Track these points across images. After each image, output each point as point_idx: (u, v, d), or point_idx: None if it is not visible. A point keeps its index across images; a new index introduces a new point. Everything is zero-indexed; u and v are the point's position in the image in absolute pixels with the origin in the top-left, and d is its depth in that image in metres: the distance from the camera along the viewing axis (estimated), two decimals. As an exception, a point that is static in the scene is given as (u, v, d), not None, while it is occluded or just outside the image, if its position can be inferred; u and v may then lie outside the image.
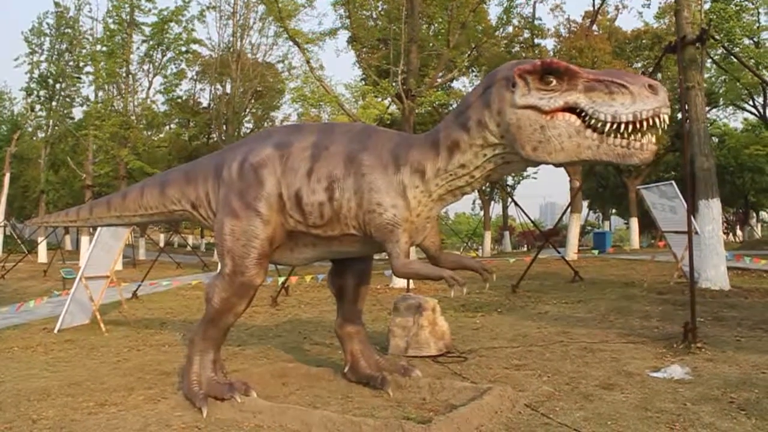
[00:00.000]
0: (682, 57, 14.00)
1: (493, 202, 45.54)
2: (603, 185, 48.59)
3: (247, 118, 40.85)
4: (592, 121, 4.06)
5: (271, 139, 5.67)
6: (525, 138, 4.31)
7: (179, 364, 7.30)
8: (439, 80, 21.63)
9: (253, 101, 39.75)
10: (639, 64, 32.94)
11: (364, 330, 6.41)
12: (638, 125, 3.95)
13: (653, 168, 37.84)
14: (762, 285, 14.19)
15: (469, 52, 27.32)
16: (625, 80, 4.02)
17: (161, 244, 48.74)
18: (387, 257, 5.09)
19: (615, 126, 3.99)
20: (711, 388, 5.86)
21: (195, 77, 42.42)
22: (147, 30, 30.89)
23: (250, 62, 36.60)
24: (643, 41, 33.02)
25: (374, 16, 25.08)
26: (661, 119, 3.93)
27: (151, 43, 30.92)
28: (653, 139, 4.06)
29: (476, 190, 45.86)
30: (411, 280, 15.19)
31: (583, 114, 4.11)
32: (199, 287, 18.07)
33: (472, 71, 32.27)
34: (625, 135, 4.01)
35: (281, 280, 15.54)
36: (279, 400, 5.65)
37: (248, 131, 40.01)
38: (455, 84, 31.57)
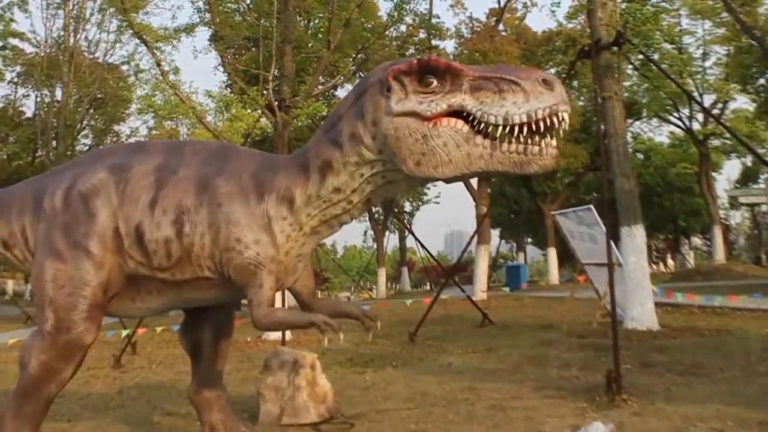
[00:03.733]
0: (597, 63, 14.54)
1: (388, 233, 45.99)
2: (515, 210, 49.99)
3: (83, 132, 39.75)
4: (482, 126, 4.15)
5: (106, 161, 5.52)
6: (406, 151, 4.35)
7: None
8: (320, 88, 21.78)
9: (91, 111, 38.71)
10: (552, 70, 34.26)
11: (226, 395, 6.27)
12: (534, 126, 4.04)
13: (572, 190, 39.33)
14: (693, 322, 14.86)
15: (354, 55, 27.62)
16: (516, 76, 4.13)
17: (-29, 292, 46.28)
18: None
19: (508, 129, 4.08)
20: (637, 448, 6.04)
21: (16, 80, 40.80)
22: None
23: (87, 63, 35.71)
24: (557, 44, 34.30)
25: (241, 9, 24.91)
26: (560, 117, 4.04)
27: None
28: (553, 142, 4.15)
29: (368, 219, 46.33)
30: (287, 331, 15.07)
31: (470, 118, 4.20)
32: (18, 347, 17.19)
33: (359, 77, 32.33)
34: (521, 139, 4.10)
35: (126, 333, 15.03)
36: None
37: (86, 148, 38.85)
38: (339, 92, 31.79)
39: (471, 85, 4.20)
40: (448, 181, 4.39)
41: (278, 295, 5.33)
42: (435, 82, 4.29)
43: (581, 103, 35.67)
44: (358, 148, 4.70)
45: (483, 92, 4.15)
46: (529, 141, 4.10)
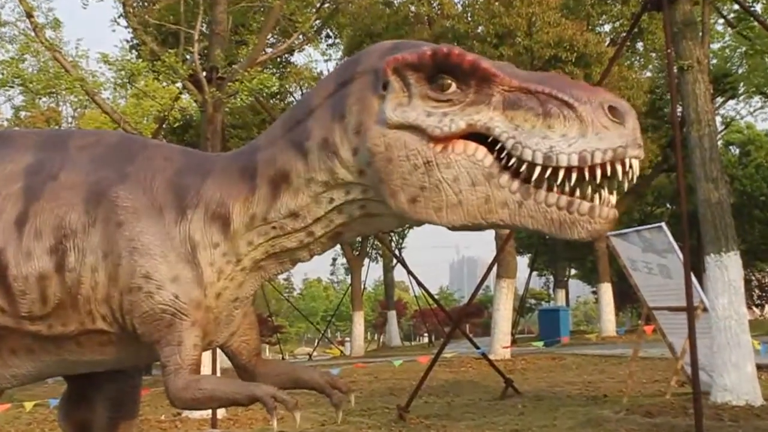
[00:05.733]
0: (671, 17, 14.48)
1: (368, 261, 45.93)
2: None
3: None
4: (512, 161, 4.05)
5: (-51, 160, 5.49)
6: (398, 180, 4.27)
7: None
8: (268, 52, 21.93)
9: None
10: (606, 27, 34.20)
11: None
12: (588, 174, 3.92)
13: (635, 201, 39.26)
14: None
15: (318, 4, 27.18)
16: (572, 95, 4.00)
17: None
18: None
19: (550, 172, 3.95)
20: None
21: None
22: None
23: None
24: None
25: (150, -64, 25.03)
26: (627, 165, 3.92)
27: None
28: (612, 200, 4.06)
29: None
30: (219, 408, 14.97)
31: (497, 147, 4.09)
32: None
33: (327, 38, 32.79)
34: (566, 188, 3.99)
35: (-18, 411, 14.96)
36: None
37: None
38: (296, 58, 31.77)
39: (505, 99, 4.11)
40: (452, 229, 4.31)
41: (206, 355, 5.27)
42: (453, 87, 4.20)
43: (648, 74, 35.73)
44: (331, 162, 4.61)
45: (521, 112, 4.05)
46: (578, 192, 3.99)
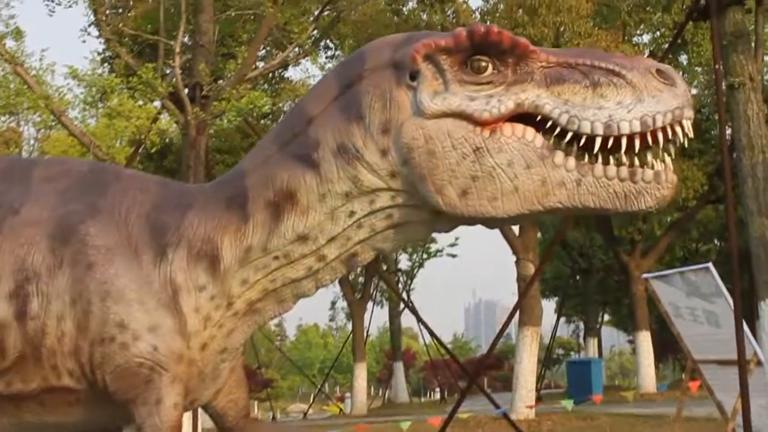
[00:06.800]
0: (720, 28, 14.55)
1: (371, 304, 46.18)
2: (583, 269, 49.48)
3: None
4: (567, 137, 4.26)
5: None
6: (444, 173, 4.39)
7: None
8: (260, 66, 22.01)
9: None
10: (645, 38, 34.13)
11: None
12: (650, 140, 4.19)
13: (677, 236, 38.86)
14: None
15: (317, 12, 27.42)
16: (615, 62, 4.26)
17: None
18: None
19: (612, 142, 4.18)
20: None
21: None
22: None
23: None
24: None
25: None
26: (685, 128, 4.19)
27: None
28: (670, 164, 4.29)
29: (337, 282, 45.14)
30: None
31: (548, 125, 4.29)
32: None
33: (326, 50, 32.82)
34: (627, 159, 4.22)
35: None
36: None
37: None
38: (291, 73, 31.82)
39: (546, 75, 4.32)
40: (508, 222, 4.54)
41: (186, 415, 5.23)
42: (490, 68, 4.38)
43: (694, 92, 35.47)
44: (353, 169, 4.68)
45: (567, 86, 4.27)
46: (639, 161, 4.23)
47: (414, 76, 4.46)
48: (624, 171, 4.17)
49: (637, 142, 4.12)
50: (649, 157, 4.21)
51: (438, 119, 4.37)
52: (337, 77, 4.87)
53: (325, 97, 4.82)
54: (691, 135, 4.19)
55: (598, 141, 4.13)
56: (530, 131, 4.27)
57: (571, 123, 4.17)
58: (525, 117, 4.28)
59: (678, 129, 4.12)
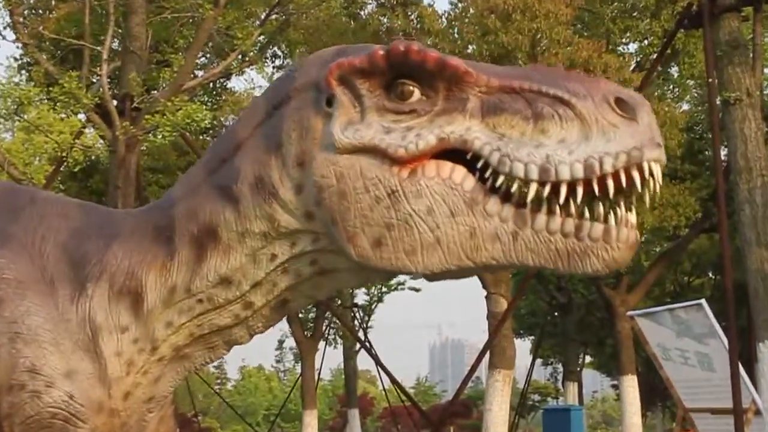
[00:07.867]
0: (713, 37, 14.02)
1: (324, 344, 47.67)
2: (561, 305, 51.00)
3: None
4: (501, 180, 3.84)
5: None
6: (356, 219, 4.05)
7: None
8: (198, 75, 22.44)
9: None
10: (631, 47, 35.26)
11: None
12: (598, 188, 3.71)
13: (667, 269, 39.70)
14: None
15: (264, 16, 28.19)
16: (567, 89, 3.83)
17: None
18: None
19: (549, 189, 3.73)
20: None
21: None
22: None
23: None
24: (640, 2, 34.52)
25: None
26: (646, 171, 3.69)
27: None
28: (631, 218, 3.84)
29: (286, 320, 45.39)
30: None
31: (480, 164, 3.89)
32: None
33: (274, 58, 34.12)
34: (571, 209, 3.77)
35: None
36: None
37: None
38: (235, 83, 31.94)
39: (483, 103, 3.93)
40: (431, 278, 4.14)
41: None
42: (417, 94, 4.03)
43: (685, 107, 36.73)
44: (269, 206, 4.43)
45: (505, 117, 3.87)
46: (587, 213, 3.77)
47: (330, 101, 4.20)
48: (569, 224, 3.77)
49: (581, 191, 3.69)
50: (601, 209, 3.78)
51: (351, 154, 4.12)
52: (267, 97, 4.68)
53: (253, 119, 4.64)
54: (659, 181, 3.77)
55: (533, 187, 3.74)
56: (459, 171, 3.95)
57: (502, 163, 3.81)
58: (461, 153, 3.93)
59: (636, 174, 3.64)
